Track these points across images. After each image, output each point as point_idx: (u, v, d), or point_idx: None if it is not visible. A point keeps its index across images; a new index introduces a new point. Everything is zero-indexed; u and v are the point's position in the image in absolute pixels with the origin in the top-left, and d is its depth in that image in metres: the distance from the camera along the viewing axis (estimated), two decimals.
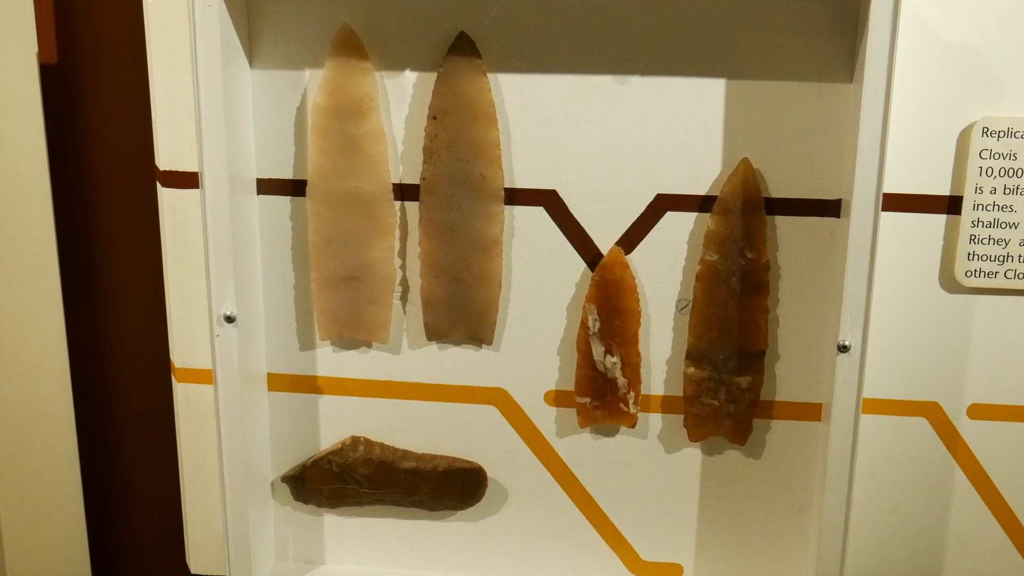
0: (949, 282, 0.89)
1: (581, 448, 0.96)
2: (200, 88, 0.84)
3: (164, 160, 0.93)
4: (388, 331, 0.94)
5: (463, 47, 0.87)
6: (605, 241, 0.91)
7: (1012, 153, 0.86)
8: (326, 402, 0.98)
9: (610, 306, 0.91)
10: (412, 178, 0.91)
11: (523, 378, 0.95)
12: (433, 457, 0.97)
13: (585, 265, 0.92)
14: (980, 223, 0.87)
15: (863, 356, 0.84)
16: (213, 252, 0.87)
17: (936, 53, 0.85)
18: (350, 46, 0.88)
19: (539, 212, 0.91)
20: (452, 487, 0.97)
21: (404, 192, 0.92)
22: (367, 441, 0.97)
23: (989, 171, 0.86)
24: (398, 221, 0.92)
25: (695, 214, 0.89)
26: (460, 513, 0.99)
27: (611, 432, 0.96)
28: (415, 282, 0.93)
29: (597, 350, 0.92)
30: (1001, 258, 0.88)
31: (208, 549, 1.02)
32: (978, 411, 0.92)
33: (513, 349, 0.94)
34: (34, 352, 1.08)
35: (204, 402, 0.98)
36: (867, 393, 0.91)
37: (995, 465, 0.93)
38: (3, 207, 1.04)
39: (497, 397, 0.96)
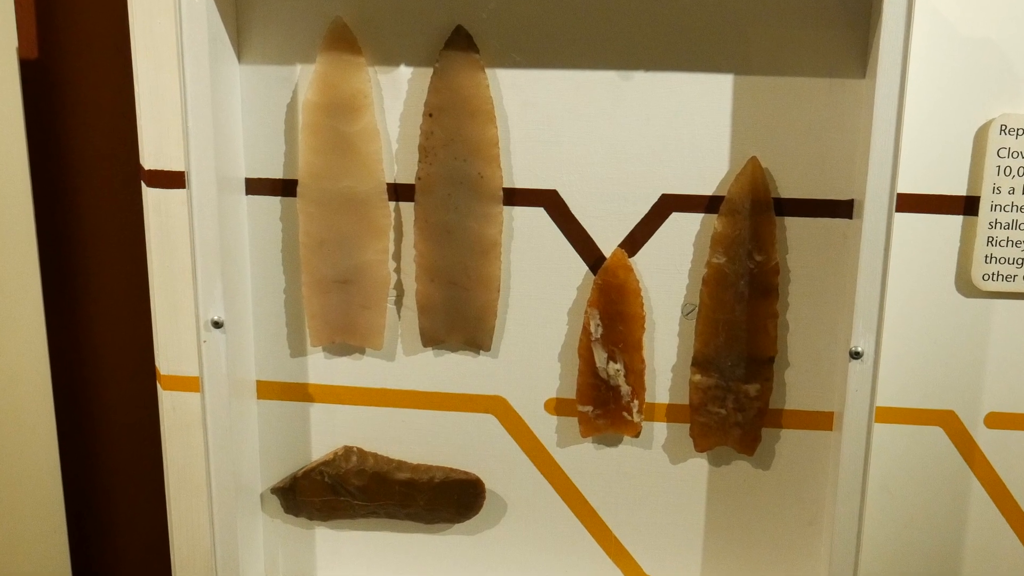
0: (966, 286, 0.89)
1: (583, 458, 0.96)
2: (186, 84, 0.84)
3: (149, 159, 0.93)
4: (382, 337, 0.94)
5: (460, 41, 0.87)
6: (608, 243, 0.91)
7: None
8: (318, 411, 0.98)
9: (613, 311, 0.91)
10: (407, 178, 0.91)
11: (522, 386, 0.95)
12: (429, 468, 0.97)
13: (587, 268, 0.92)
14: (998, 224, 0.87)
15: (876, 363, 0.84)
16: (200, 255, 0.87)
17: (952, 47, 0.85)
18: (342, 40, 0.88)
19: (539, 213, 0.91)
20: (449, 499, 0.97)
21: (399, 192, 0.92)
22: (360, 451, 0.97)
23: (1007, 170, 0.86)
24: (392, 222, 0.92)
25: (701, 215, 0.89)
26: (457, 526, 0.99)
27: (614, 442, 0.96)
28: (410, 286, 0.93)
29: (599, 356, 0.92)
30: (1020, 261, 0.88)
31: (195, 564, 1.02)
32: (996, 420, 0.92)
33: (512, 356, 0.94)
34: (14, 359, 1.07)
35: (191, 411, 0.98)
36: (880, 401, 0.91)
37: (1013, 476, 0.93)
38: None
39: (495, 405, 0.96)
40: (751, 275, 0.89)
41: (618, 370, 0.92)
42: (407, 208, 0.92)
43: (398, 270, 0.94)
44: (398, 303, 0.94)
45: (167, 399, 0.99)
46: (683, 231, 0.90)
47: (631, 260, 0.91)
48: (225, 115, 0.88)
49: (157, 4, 0.89)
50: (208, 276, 0.88)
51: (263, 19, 0.89)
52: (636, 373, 0.92)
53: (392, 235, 0.92)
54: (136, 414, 1.15)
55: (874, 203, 0.81)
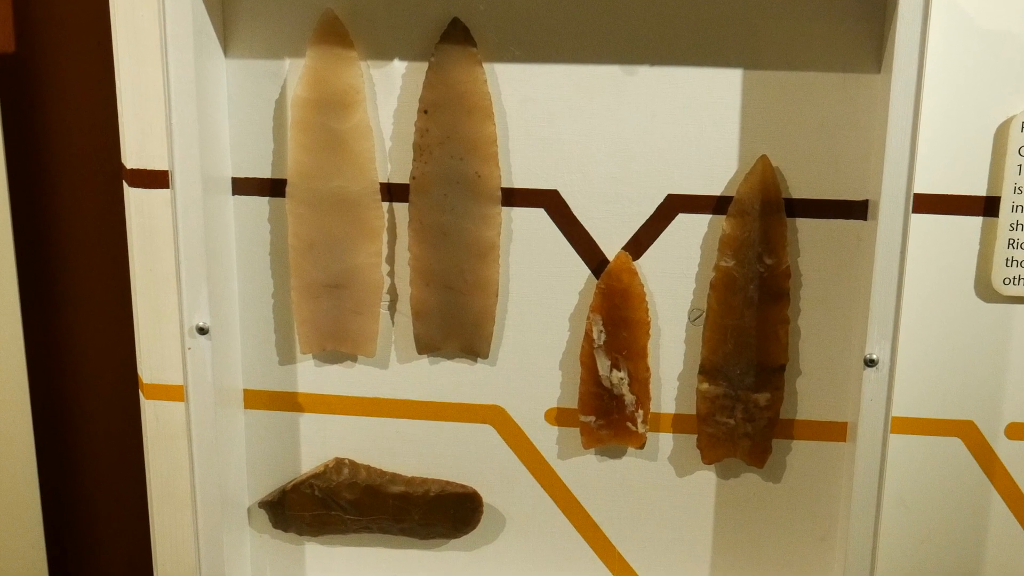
0: (985, 290, 0.89)
1: (585, 471, 0.96)
2: (170, 79, 0.84)
3: (131, 158, 0.93)
4: (375, 344, 0.94)
5: (457, 35, 0.87)
6: (611, 246, 0.91)
7: None
8: (307, 421, 0.97)
9: (617, 316, 0.91)
10: (401, 177, 0.91)
11: (522, 395, 0.95)
12: (424, 481, 0.97)
13: (589, 272, 0.91)
14: (1019, 226, 0.87)
15: (892, 371, 0.84)
16: (185, 258, 0.87)
17: (972, 41, 0.85)
18: (334, 33, 0.88)
19: (539, 214, 0.91)
20: (445, 513, 0.97)
21: (392, 192, 0.92)
22: (352, 463, 0.97)
23: None
24: (386, 224, 0.92)
25: (709, 216, 0.89)
26: (453, 542, 0.99)
27: (618, 453, 0.95)
28: (404, 290, 0.93)
29: (602, 364, 0.92)
30: None
31: None
32: (1017, 431, 0.92)
33: (511, 363, 0.94)
34: None
35: (175, 421, 0.98)
36: (896, 411, 0.91)
37: None
38: None
39: (494, 415, 0.96)
40: (761, 279, 0.88)
41: (622, 378, 0.92)
42: (401, 209, 0.92)
43: (392, 274, 0.93)
44: (392, 308, 0.94)
45: (150, 409, 0.98)
46: (690, 233, 0.90)
47: (635, 263, 0.91)
48: (211, 111, 0.88)
49: None
50: (193, 280, 0.87)
51: (250, 11, 0.89)
52: (641, 382, 0.92)
53: (385, 237, 0.92)
54: (118, 424, 1.15)
55: (890, 204, 0.80)
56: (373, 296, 0.93)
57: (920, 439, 0.93)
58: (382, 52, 0.89)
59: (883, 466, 0.85)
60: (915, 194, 0.82)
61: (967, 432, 0.92)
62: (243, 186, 0.93)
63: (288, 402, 0.97)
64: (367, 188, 0.90)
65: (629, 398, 0.92)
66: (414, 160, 0.89)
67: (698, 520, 0.96)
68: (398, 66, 0.89)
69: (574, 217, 0.91)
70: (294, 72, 0.90)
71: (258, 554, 1.00)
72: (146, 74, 0.90)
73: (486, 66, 0.88)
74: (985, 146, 0.86)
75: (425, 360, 0.95)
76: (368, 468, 0.97)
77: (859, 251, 0.88)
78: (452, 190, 0.89)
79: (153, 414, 0.99)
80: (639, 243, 0.90)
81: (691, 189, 0.89)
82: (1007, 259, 0.88)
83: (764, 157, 0.87)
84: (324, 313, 0.93)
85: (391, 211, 0.92)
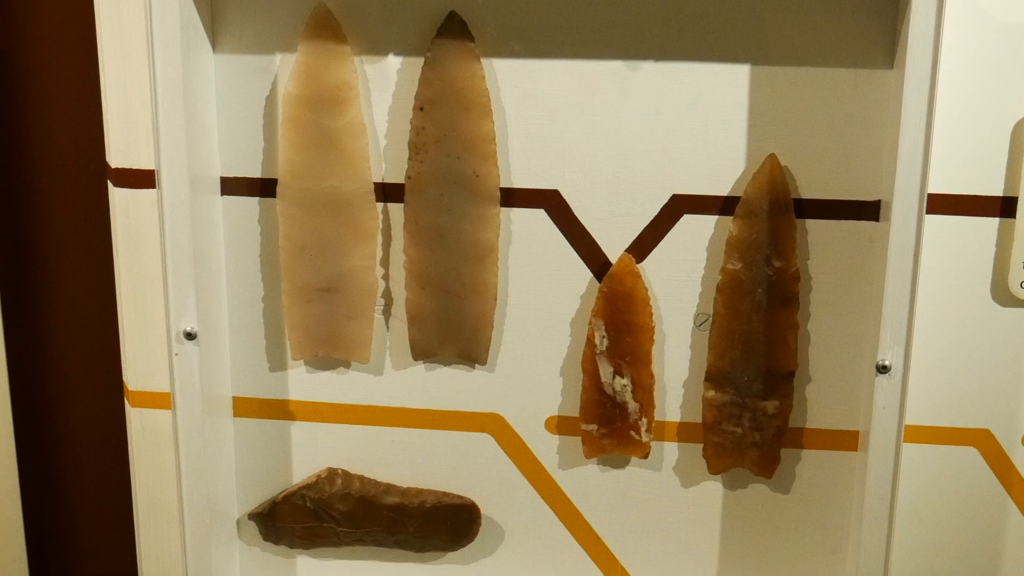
0: (1002, 294, 0.89)
1: (587, 481, 0.96)
2: (157, 76, 0.84)
3: (116, 157, 0.93)
4: (369, 349, 0.94)
5: (454, 29, 0.87)
6: (614, 248, 0.91)
7: None
8: (299, 429, 0.97)
9: (620, 321, 0.90)
10: (396, 177, 0.91)
11: (521, 402, 0.95)
12: (420, 492, 0.97)
13: (591, 275, 0.91)
14: None
15: (905, 378, 0.84)
16: (172, 260, 0.87)
17: (987, 36, 0.85)
18: (326, 28, 0.88)
19: (540, 215, 0.91)
20: (441, 525, 0.97)
21: (387, 192, 0.91)
22: (345, 474, 0.97)
23: None
24: (380, 225, 0.92)
25: (715, 217, 0.89)
26: (450, 555, 0.99)
27: (621, 463, 0.95)
28: (400, 294, 0.93)
29: (605, 371, 0.91)
30: None
31: None
32: None
33: (510, 370, 0.94)
34: None
35: (161, 429, 0.98)
36: (910, 419, 0.91)
37: None
38: None
39: (492, 424, 0.95)
40: (769, 282, 0.88)
41: (625, 385, 0.91)
42: (396, 210, 0.91)
43: (386, 277, 0.93)
44: (386, 313, 0.94)
45: (136, 417, 0.98)
46: (695, 235, 0.90)
47: (639, 266, 0.90)
48: (199, 109, 0.88)
49: None
50: (180, 284, 0.87)
51: (240, 5, 0.89)
52: (644, 389, 0.92)
53: (380, 239, 0.92)
54: (102, 433, 1.15)
55: (903, 204, 0.80)
56: (367, 300, 0.93)
57: (934, 448, 0.93)
58: (376, 47, 0.89)
59: (896, 476, 0.85)
60: (929, 194, 0.82)
61: (983, 441, 0.92)
62: (232, 186, 0.93)
63: (279, 410, 0.97)
64: (361, 188, 0.90)
65: (632, 406, 0.92)
66: (410, 159, 0.89)
67: (704, 532, 0.96)
68: (393, 61, 0.89)
69: (575, 218, 0.90)
70: (285, 68, 0.90)
71: (248, 568, 1.00)
72: (132, 70, 0.91)
73: (484, 61, 0.88)
74: (1002, 145, 0.86)
75: (421, 366, 0.95)
76: (362, 478, 0.97)
77: (871, 253, 0.88)
78: (449, 190, 0.89)
79: (139, 422, 0.98)
80: (643, 245, 0.90)
81: (697, 189, 0.89)
82: None
83: (772, 156, 0.87)
84: (316, 318, 0.93)
85: (386, 212, 0.92)
